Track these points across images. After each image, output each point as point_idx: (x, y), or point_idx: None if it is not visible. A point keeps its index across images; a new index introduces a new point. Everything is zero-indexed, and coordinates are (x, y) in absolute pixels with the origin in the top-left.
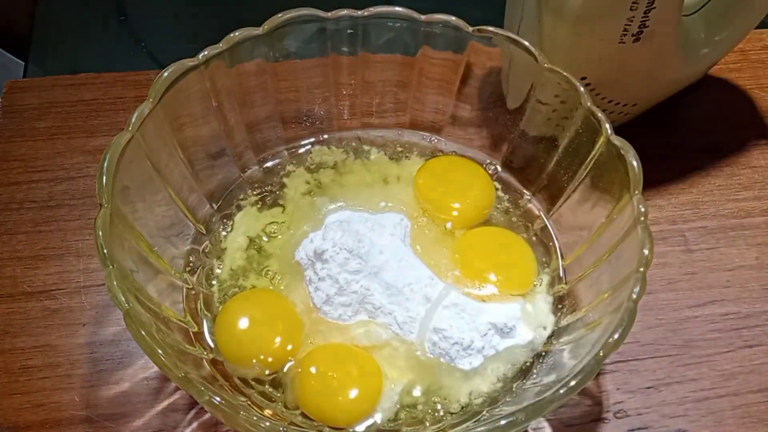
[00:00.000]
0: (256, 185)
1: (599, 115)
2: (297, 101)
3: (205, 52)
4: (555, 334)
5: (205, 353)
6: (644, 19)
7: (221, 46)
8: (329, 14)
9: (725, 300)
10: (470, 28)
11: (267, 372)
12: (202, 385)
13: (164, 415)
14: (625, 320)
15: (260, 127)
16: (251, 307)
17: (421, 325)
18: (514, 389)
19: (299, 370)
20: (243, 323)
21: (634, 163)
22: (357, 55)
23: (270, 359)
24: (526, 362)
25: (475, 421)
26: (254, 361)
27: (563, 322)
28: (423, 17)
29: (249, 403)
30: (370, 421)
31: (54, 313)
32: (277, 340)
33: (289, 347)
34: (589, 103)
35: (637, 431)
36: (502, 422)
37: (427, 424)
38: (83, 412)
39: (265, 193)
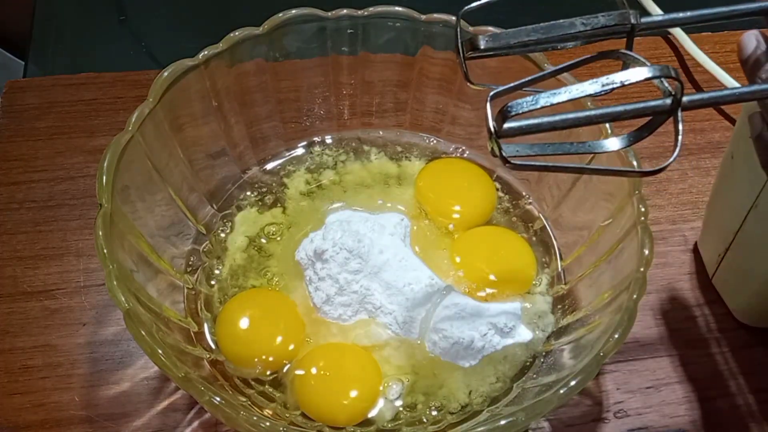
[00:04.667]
0: (256, 185)
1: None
2: (297, 101)
3: (205, 52)
4: (555, 334)
5: (206, 353)
6: None
7: (221, 45)
8: (329, 14)
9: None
10: (470, 28)
11: (268, 372)
12: (202, 385)
13: (164, 415)
14: (625, 320)
15: (260, 127)
16: (253, 307)
17: (421, 325)
18: (514, 389)
19: (299, 369)
20: (244, 323)
21: (634, 163)
22: (357, 55)
23: (271, 359)
24: (526, 362)
25: (475, 421)
26: (256, 360)
27: (563, 322)
28: (423, 17)
29: (249, 403)
30: (370, 420)
31: (54, 313)
32: (279, 339)
33: (291, 347)
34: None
35: (637, 431)
36: (502, 422)
37: (427, 424)
38: (83, 412)
39: (265, 194)
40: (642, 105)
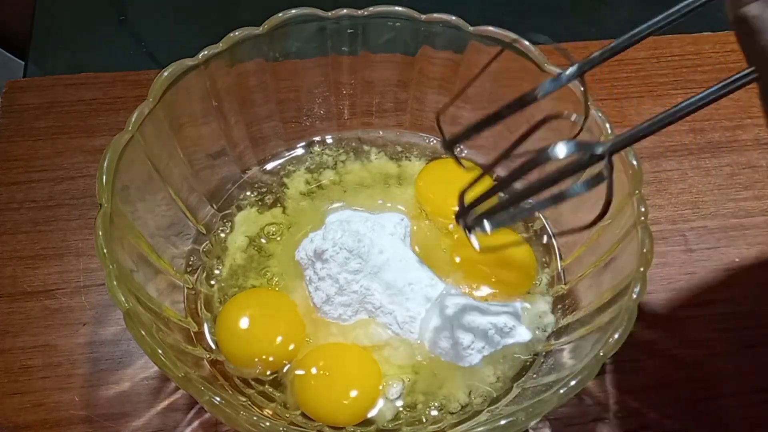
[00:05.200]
0: (257, 185)
1: (599, 115)
2: (297, 101)
3: (205, 52)
4: (555, 334)
5: (206, 353)
6: None
7: (221, 45)
8: (329, 14)
9: (725, 300)
10: (470, 28)
11: (268, 372)
12: (202, 385)
13: (164, 415)
14: (625, 320)
15: (260, 127)
16: (252, 307)
17: (421, 325)
18: (514, 389)
19: (298, 369)
20: (244, 323)
21: (634, 163)
22: (357, 55)
23: (271, 359)
24: (526, 362)
25: (475, 421)
26: (256, 360)
27: (563, 322)
28: (423, 17)
29: (249, 403)
30: (370, 420)
31: (54, 312)
32: (279, 339)
33: (291, 347)
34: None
35: (637, 431)
36: (502, 422)
37: (427, 424)
38: (83, 412)
39: (265, 194)
40: (574, 161)
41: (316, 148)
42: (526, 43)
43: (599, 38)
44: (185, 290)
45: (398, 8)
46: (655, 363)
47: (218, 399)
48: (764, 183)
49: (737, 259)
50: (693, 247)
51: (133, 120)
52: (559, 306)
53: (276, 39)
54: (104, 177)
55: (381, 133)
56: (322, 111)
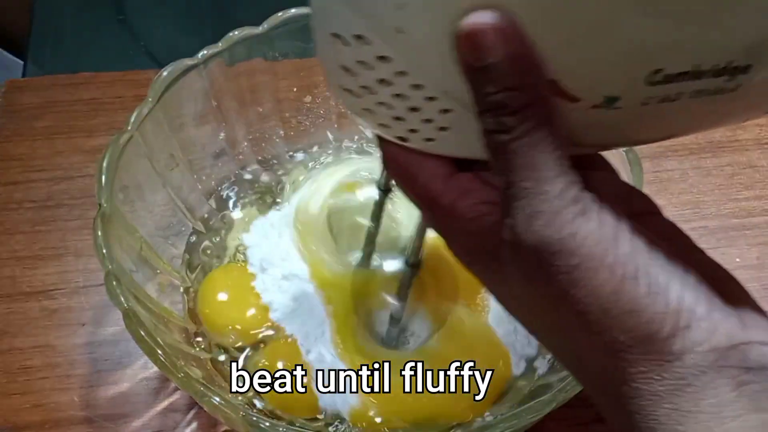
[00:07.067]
0: (257, 185)
1: None
2: (297, 101)
3: (205, 52)
4: None
5: (205, 353)
6: None
7: (220, 45)
8: None
9: None
10: None
11: (240, 344)
12: (201, 385)
13: (164, 415)
14: None
15: (260, 127)
16: (230, 279)
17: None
18: (514, 389)
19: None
20: (222, 295)
21: (636, 164)
22: None
23: (239, 327)
24: (526, 362)
25: (474, 422)
26: (229, 328)
27: None
28: None
29: (249, 403)
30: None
31: (53, 313)
32: (249, 312)
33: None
34: None
35: None
36: (502, 422)
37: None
38: (83, 412)
39: (265, 193)
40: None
41: (316, 148)
42: None
43: None
44: (184, 290)
45: None
46: None
47: (218, 399)
48: (765, 183)
49: (738, 259)
50: None
51: (132, 120)
52: None
53: (276, 39)
54: (103, 177)
55: None
56: (321, 110)
